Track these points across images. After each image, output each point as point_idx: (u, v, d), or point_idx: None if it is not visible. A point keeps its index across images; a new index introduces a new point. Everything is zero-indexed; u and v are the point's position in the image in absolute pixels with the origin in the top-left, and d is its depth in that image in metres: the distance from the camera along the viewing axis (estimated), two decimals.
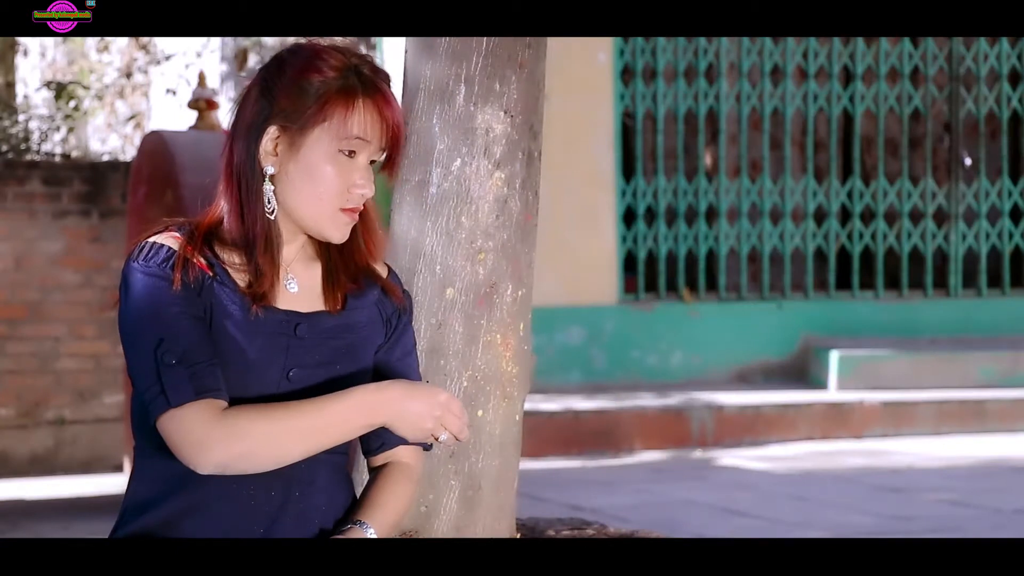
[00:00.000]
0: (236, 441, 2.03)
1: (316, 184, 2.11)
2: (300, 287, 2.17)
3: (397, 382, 2.14)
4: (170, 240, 2.12)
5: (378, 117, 2.12)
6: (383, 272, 2.27)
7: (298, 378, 2.13)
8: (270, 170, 2.11)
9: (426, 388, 2.15)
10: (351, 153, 2.12)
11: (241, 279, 2.13)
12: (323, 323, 2.17)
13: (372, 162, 2.16)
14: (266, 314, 2.12)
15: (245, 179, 2.12)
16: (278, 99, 2.10)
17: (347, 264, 2.20)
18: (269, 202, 2.12)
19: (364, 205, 2.16)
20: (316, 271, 2.20)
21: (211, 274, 2.11)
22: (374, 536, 2.14)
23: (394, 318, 2.25)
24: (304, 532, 2.14)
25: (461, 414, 2.13)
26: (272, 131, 2.11)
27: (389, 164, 2.18)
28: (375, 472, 2.26)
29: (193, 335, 2.06)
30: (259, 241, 2.12)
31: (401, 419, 2.11)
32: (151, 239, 2.12)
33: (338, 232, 2.15)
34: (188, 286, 2.08)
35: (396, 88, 2.20)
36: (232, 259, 2.13)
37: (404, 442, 2.22)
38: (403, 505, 2.23)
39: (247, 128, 2.12)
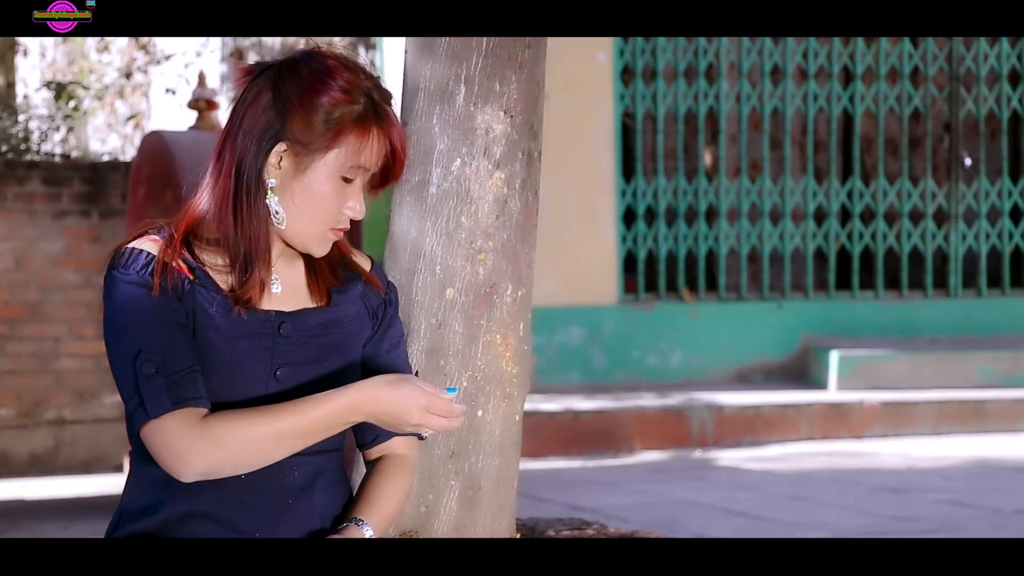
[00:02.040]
0: (216, 449, 2.02)
1: (315, 206, 2.10)
2: (283, 286, 2.16)
3: (378, 381, 2.09)
4: (149, 245, 2.10)
5: (386, 146, 2.12)
6: (366, 265, 2.26)
7: (286, 377, 2.12)
8: (272, 183, 2.10)
9: (407, 389, 2.08)
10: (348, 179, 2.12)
11: (223, 281, 2.11)
12: (308, 320, 2.16)
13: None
14: (249, 315, 2.11)
15: (246, 186, 2.09)
16: (291, 115, 2.08)
17: (328, 255, 2.19)
18: (277, 214, 2.11)
19: None
20: (299, 269, 2.19)
21: (192, 278, 2.09)
22: (371, 534, 2.14)
23: (380, 310, 2.24)
24: (302, 533, 2.13)
25: (446, 413, 2.08)
26: (280, 146, 2.09)
27: (377, 184, 2.16)
28: (371, 466, 2.25)
29: (172, 343, 2.05)
30: (261, 252, 2.10)
31: (382, 417, 2.09)
32: (130, 245, 2.11)
33: (323, 249, 2.15)
34: (168, 292, 2.06)
35: (396, 88, 2.19)
36: (214, 261, 2.12)
37: (398, 433, 2.21)
38: (400, 498, 2.23)
39: (254, 135, 2.09)
